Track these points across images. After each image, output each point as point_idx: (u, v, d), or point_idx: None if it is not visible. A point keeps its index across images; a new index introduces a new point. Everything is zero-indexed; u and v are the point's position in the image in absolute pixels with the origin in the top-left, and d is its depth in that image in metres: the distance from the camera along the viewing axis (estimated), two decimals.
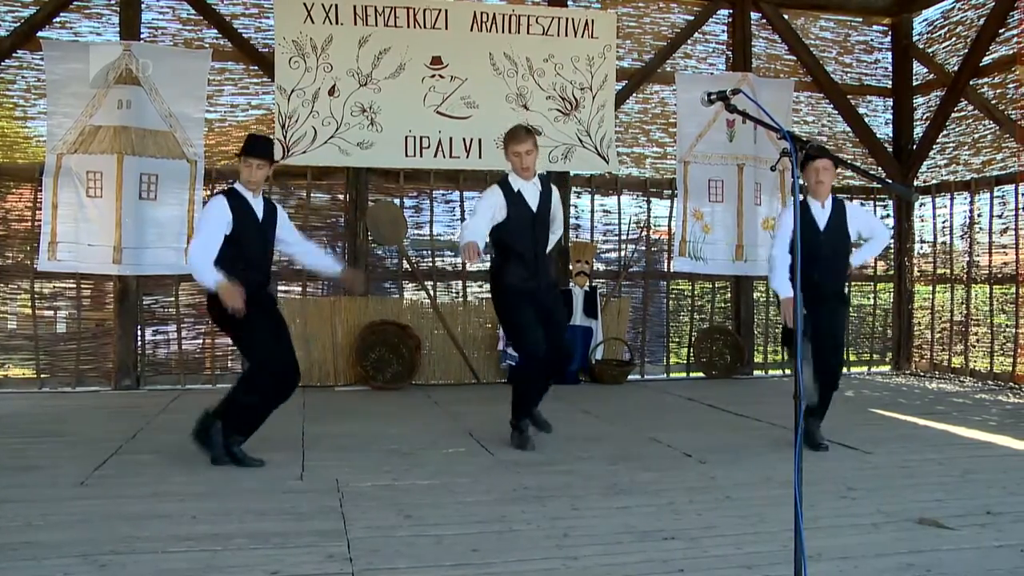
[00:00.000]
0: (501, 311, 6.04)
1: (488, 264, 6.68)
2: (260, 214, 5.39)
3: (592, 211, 10.20)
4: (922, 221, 11.05)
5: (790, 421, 5.68)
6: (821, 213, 5.80)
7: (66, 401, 8.15)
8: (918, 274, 11.05)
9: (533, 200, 5.89)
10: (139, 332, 9.05)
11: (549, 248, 6.13)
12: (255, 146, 5.37)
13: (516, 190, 5.87)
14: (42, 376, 8.84)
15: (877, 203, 11.10)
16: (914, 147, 10.97)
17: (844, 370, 10.48)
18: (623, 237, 10.28)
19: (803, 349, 5.35)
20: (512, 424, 6.02)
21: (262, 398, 5.26)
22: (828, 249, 5.74)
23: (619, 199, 10.27)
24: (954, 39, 10.52)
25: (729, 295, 10.67)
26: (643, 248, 10.38)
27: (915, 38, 11.09)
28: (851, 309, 9.65)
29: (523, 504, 4.40)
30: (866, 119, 11.04)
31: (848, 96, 10.93)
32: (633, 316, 10.30)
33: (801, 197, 5.31)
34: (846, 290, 6.17)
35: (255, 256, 5.36)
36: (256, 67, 9.34)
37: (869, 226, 6.18)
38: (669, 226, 10.35)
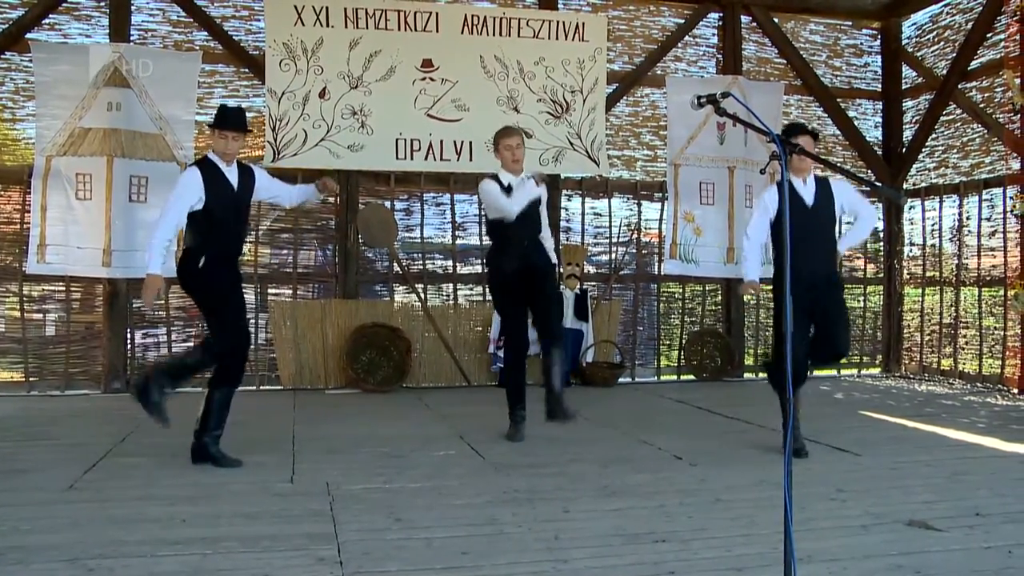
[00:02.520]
0: (492, 294, 6.44)
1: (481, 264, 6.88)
2: (235, 183, 5.39)
3: (583, 214, 10.20)
4: (911, 224, 11.10)
5: (780, 424, 5.70)
6: (805, 190, 5.71)
7: (55, 404, 8.11)
8: (907, 277, 11.08)
9: (522, 193, 6.20)
10: (129, 335, 9.02)
11: (547, 243, 6.38)
12: (229, 118, 5.35)
13: (507, 184, 6.17)
14: (31, 379, 8.79)
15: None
16: (903, 150, 11.02)
17: (834, 372, 10.63)
18: (614, 240, 10.29)
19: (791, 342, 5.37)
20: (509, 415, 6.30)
21: (205, 365, 5.45)
22: (816, 227, 5.62)
23: (610, 202, 10.28)
24: (943, 43, 10.57)
25: (720, 298, 10.68)
26: (634, 251, 10.39)
27: (904, 42, 11.14)
28: None
29: (513, 506, 4.40)
30: (856, 122, 11.09)
31: (838, 99, 10.97)
32: (624, 319, 10.31)
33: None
34: (838, 273, 6.09)
35: (228, 226, 5.37)
36: (247, 69, 9.33)
37: (853, 204, 5.97)
38: (660, 229, 10.36)
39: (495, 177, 6.22)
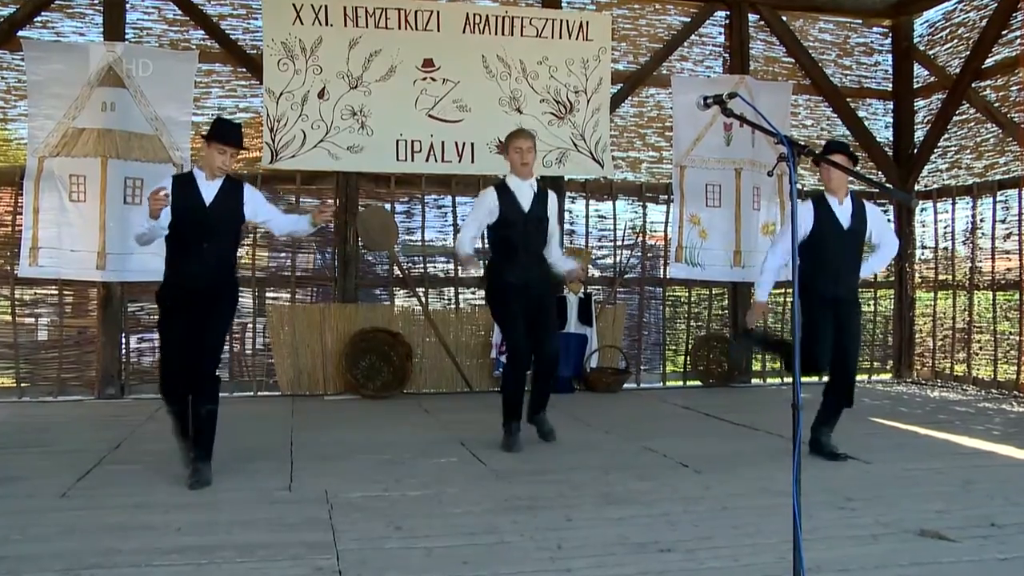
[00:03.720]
0: (491, 305, 6.34)
1: (483, 270, 6.89)
2: (209, 198, 5.15)
3: (587, 216, 10.21)
4: (923, 226, 11.08)
5: (788, 430, 5.67)
6: (842, 210, 5.73)
7: (47, 410, 8.13)
8: (919, 280, 11.07)
9: (526, 200, 6.20)
10: (123, 339, 9.02)
11: (552, 256, 6.40)
12: (231, 133, 5.20)
13: (512, 190, 6.18)
14: (22, 385, 8.80)
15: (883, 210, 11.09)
16: (915, 151, 11.00)
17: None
18: (618, 243, 10.29)
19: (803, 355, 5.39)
20: (503, 426, 6.24)
21: (167, 405, 5.31)
22: (851, 248, 5.71)
23: (614, 204, 10.28)
24: (956, 41, 10.55)
25: (727, 302, 10.67)
26: (639, 254, 10.39)
27: (916, 40, 11.12)
28: None
29: (515, 515, 4.39)
30: (866, 122, 11.08)
31: (848, 99, 10.96)
32: (628, 323, 10.31)
33: (800, 199, 5.32)
34: (858, 303, 6.11)
35: (188, 242, 5.11)
36: (244, 69, 9.34)
37: (882, 232, 6.02)
38: (665, 231, 10.36)
39: (501, 186, 6.23)
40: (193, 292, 5.09)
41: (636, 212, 10.39)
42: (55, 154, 8.58)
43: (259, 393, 9.20)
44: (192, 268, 5.12)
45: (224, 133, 5.17)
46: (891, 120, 11.29)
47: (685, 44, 10.49)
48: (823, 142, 10.53)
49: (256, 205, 5.41)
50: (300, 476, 5.28)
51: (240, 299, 9.20)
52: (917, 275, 11.09)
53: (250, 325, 9.39)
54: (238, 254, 5.72)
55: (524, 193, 6.19)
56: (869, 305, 11.06)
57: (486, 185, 9.48)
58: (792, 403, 3.12)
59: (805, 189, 10.01)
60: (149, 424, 7.17)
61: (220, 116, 5.52)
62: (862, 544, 3.91)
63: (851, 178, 5.21)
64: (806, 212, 5.75)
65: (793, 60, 10.76)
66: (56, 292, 8.90)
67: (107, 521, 4.24)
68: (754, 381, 10.55)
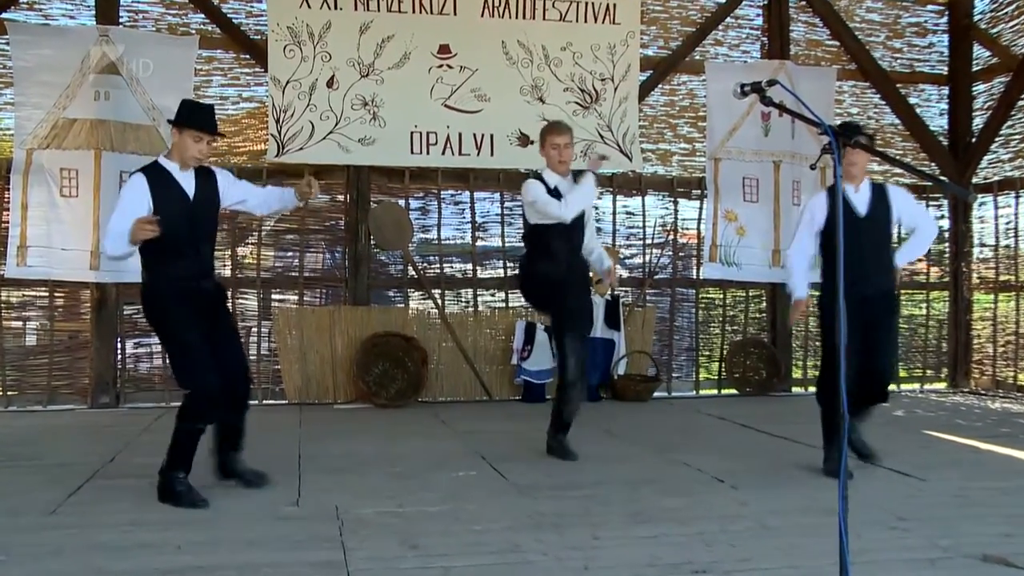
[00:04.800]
0: (542, 300, 6.43)
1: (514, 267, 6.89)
2: (191, 190, 5.05)
3: (614, 213, 10.20)
4: (982, 223, 10.99)
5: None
6: (857, 198, 5.68)
7: (36, 421, 8.17)
8: (977, 281, 10.98)
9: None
10: (119, 344, 9.06)
11: (595, 252, 6.46)
12: (207, 117, 5.08)
13: (553, 186, 6.16)
14: (9, 394, 8.84)
15: (930, 203, 10.98)
16: (973, 140, 10.87)
17: (893, 387, 10.53)
18: (648, 241, 10.28)
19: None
20: (557, 439, 6.31)
21: (196, 424, 5.01)
22: (870, 239, 5.62)
23: (643, 200, 10.27)
24: (1023, 18, 10.39)
25: (765, 304, 10.64)
26: (670, 253, 10.37)
27: (976, 18, 10.94)
28: (901, 320, 9.56)
29: (539, 532, 4.38)
30: (918, 110, 10.97)
31: (898, 85, 10.86)
32: (659, 327, 10.29)
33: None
34: (896, 292, 6.04)
35: (182, 242, 4.98)
36: (247, 56, 9.37)
37: (912, 215, 5.94)
38: (698, 229, 10.34)
39: (539, 177, 6.24)
40: (193, 295, 5.01)
41: (667, 208, 10.37)
42: (45, 146, 8.60)
43: (264, 402, 9.20)
44: (187, 270, 5.02)
45: (199, 118, 5.02)
46: (946, 107, 11.16)
47: (720, 27, 10.45)
48: (871, 132, 10.49)
49: (229, 186, 5.27)
50: (308, 491, 5.29)
51: (244, 300, 9.30)
52: (975, 275, 10.99)
53: (255, 329, 9.41)
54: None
55: (565, 190, 6.18)
56: (920, 308, 11.00)
57: (506, 180, 9.63)
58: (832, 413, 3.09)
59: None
60: (146, 435, 7.20)
61: (187, 99, 5.29)
62: (917, 569, 3.87)
63: (900, 170, 5.16)
64: (819, 203, 5.74)
65: (838, 43, 10.69)
66: (46, 294, 8.94)
67: (100, 540, 4.25)
68: (794, 390, 10.50)
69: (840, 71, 10.67)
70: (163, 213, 4.84)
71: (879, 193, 5.77)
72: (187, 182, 5.05)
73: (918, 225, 5.99)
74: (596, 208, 10.06)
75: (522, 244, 6.60)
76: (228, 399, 5.05)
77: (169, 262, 5.00)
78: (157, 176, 4.99)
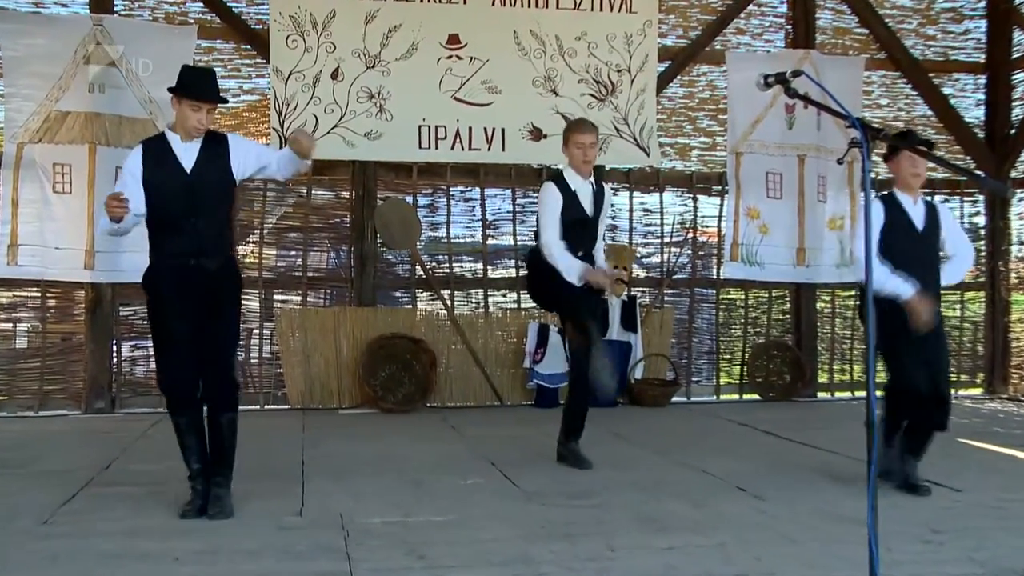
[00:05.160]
0: (560, 309, 6.42)
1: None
2: (188, 162, 4.93)
3: (631, 210, 10.17)
4: (1021, 219, 10.93)
5: (860, 450, 5.61)
6: (915, 211, 5.62)
7: (28, 427, 8.18)
8: (1016, 281, 10.91)
9: (587, 201, 6.25)
10: (114, 347, 9.05)
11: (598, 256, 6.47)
12: (205, 85, 4.96)
13: (572, 189, 6.20)
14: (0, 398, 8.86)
15: (965, 199, 10.95)
16: (1012, 132, 10.75)
17: None
18: (666, 239, 10.26)
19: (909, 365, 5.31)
20: (567, 445, 6.30)
21: (173, 416, 5.03)
22: (926, 254, 5.59)
23: (661, 196, 10.24)
24: None
25: (788, 305, 10.60)
26: (689, 252, 10.36)
27: (1017, 1, 10.75)
28: None
29: (551, 542, 4.38)
30: (952, 101, 10.87)
31: (931, 74, 10.77)
32: (678, 329, 10.27)
33: (875, 191, 5.23)
34: (940, 313, 5.96)
35: (176, 217, 4.90)
36: (248, 46, 9.38)
37: (955, 241, 5.85)
38: (719, 226, 10.31)
39: (559, 178, 6.25)
40: (189, 275, 4.91)
41: (686, 205, 10.35)
42: (36, 140, 8.59)
43: (266, 406, 9.23)
44: (183, 247, 4.91)
45: (196, 86, 4.91)
46: (983, 97, 11.05)
47: (742, 15, 10.41)
48: (901, 124, 10.45)
49: (246, 156, 5.12)
50: (312, 499, 5.29)
51: (245, 301, 9.26)
52: (1013, 275, 10.91)
53: (256, 331, 9.43)
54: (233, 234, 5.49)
55: (585, 193, 6.21)
56: (955, 309, 10.93)
57: (518, 175, 9.62)
58: (865, 420, 3.08)
59: (879, 178, 9.87)
60: (143, 441, 7.22)
61: (187, 65, 5.13)
62: None
63: (932, 164, 5.11)
64: (876, 210, 5.66)
65: (866, 31, 10.63)
66: (38, 294, 8.95)
67: (96, 549, 4.26)
68: (820, 395, 10.47)
69: (869, 60, 10.60)
70: (154, 186, 4.87)
71: (931, 210, 5.72)
72: (187, 153, 4.94)
73: (960, 251, 5.89)
74: (611, 206, 10.06)
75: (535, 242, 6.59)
76: (193, 398, 4.97)
77: (164, 238, 4.96)
78: (155, 147, 4.96)
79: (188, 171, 4.92)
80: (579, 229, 6.18)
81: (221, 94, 5.11)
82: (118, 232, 4.98)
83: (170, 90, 4.99)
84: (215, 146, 5.00)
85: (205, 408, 5.02)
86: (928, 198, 5.88)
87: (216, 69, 9.10)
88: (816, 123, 10.12)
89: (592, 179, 6.29)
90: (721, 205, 10.28)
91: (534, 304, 7.84)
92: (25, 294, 8.98)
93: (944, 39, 11.01)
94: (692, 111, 10.40)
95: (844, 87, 9.62)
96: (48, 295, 9.00)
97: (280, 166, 5.20)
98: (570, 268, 6.05)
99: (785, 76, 3.43)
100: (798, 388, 10.21)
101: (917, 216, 5.62)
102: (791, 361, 10.34)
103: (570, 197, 6.16)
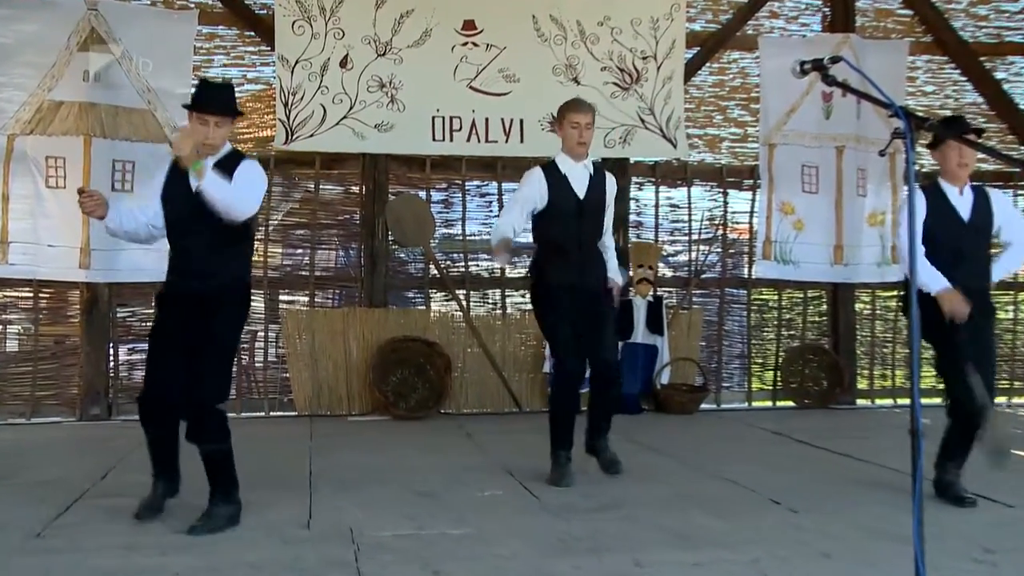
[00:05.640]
0: (536, 310, 6.36)
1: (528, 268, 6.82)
2: (197, 180, 4.87)
3: (656, 205, 10.17)
4: None
5: (903, 462, 5.57)
6: (961, 201, 5.59)
7: (19, 435, 8.21)
8: None
9: (580, 186, 6.16)
10: (111, 350, 9.08)
11: (608, 253, 6.38)
12: (212, 97, 5.00)
13: (562, 173, 6.14)
14: None
15: (1018, 192, 10.86)
16: None
17: None
18: (694, 237, 10.25)
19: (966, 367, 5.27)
20: (551, 455, 6.18)
21: (143, 427, 5.12)
22: (972, 246, 5.54)
23: (689, 191, 10.23)
24: None
25: (825, 306, 10.57)
26: (718, 249, 10.35)
27: None
28: None
29: (574, 558, 4.37)
30: (1005, 86, 10.78)
31: (982, 58, 10.68)
32: (707, 332, 10.26)
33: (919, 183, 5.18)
34: (992, 306, 5.89)
35: (179, 238, 5.04)
36: (252, 33, 9.40)
37: (1012, 225, 5.78)
38: (751, 223, 10.30)
39: (550, 167, 6.19)
40: (181, 297, 4.99)
41: (715, 200, 10.34)
42: (28, 132, 8.60)
43: (271, 413, 9.27)
44: (181, 268, 5.04)
45: (199, 98, 4.97)
46: None
47: None
48: (948, 113, 10.35)
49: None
50: (320, 510, 5.29)
51: (252, 303, 9.25)
52: None
53: (261, 333, 9.46)
54: (248, 250, 5.38)
55: (578, 176, 6.15)
56: (1007, 311, 10.86)
57: None
58: (910, 428, 3.05)
59: (923, 170, 9.80)
60: (141, 450, 7.16)
61: (203, 78, 5.23)
62: None
63: (980, 157, 5.07)
64: (919, 201, 5.60)
65: (911, 12, 10.56)
66: (30, 295, 8.95)
67: (90, 565, 4.27)
68: (860, 402, 10.42)
69: (913, 44, 10.53)
70: (165, 201, 5.04)
71: (982, 197, 5.67)
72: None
73: (1014, 238, 5.81)
74: (636, 201, 10.07)
75: None
76: (160, 417, 5.03)
77: (170, 255, 5.12)
78: (176, 164, 4.99)
79: (195, 189, 4.86)
80: (573, 218, 6.09)
81: (236, 107, 5.13)
82: (127, 237, 5.23)
83: (185, 106, 5.10)
84: (229, 166, 4.97)
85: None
86: (979, 184, 5.81)
87: (218, 56, 9.31)
88: (856, 112, 10.07)
89: (589, 163, 6.22)
90: (753, 200, 10.26)
91: None
92: (16, 294, 9.00)
93: (997, 19, 10.88)
94: (722, 100, 10.37)
95: (886, 73, 9.55)
96: (41, 295, 9.01)
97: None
98: (494, 234, 6.13)
99: (823, 62, 3.41)
100: (836, 394, 10.17)
101: (963, 206, 5.59)
102: (828, 365, 10.30)
103: (559, 182, 6.09)
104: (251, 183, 5.00)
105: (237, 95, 9.15)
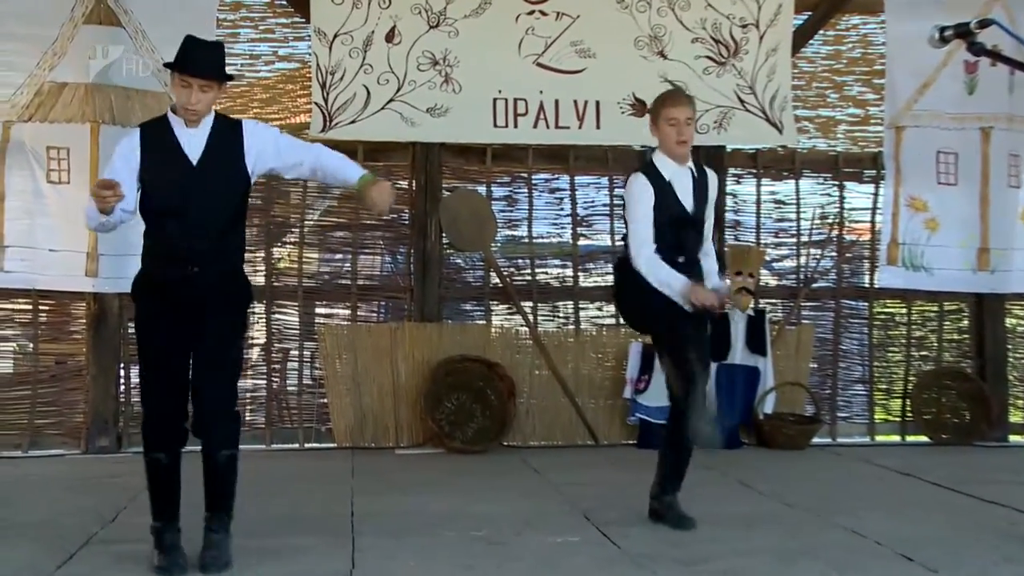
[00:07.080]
0: (653, 331, 6.42)
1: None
2: (194, 154, 5.03)
3: (758, 201, 10.16)
4: None
5: None
6: None
7: (16, 470, 8.28)
8: None
9: (686, 194, 6.16)
10: (122, 372, 9.13)
11: (708, 260, 6.40)
12: (196, 57, 4.97)
13: (666, 180, 6.11)
14: None
15: None
16: None
17: None
18: (803, 238, 10.22)
19: None
20: (655, 499, 6.23)
21: (148, 453, 5.17)
22: None
23: (797, 184, 10.20)
24: None
25: (966, 322, 10.47)
26: (833, 254, 10.29)
27: None
28: None
29: None
30: None
31: None
32: (819, 352, 10.21)
33: None
34: None
35: (174, 217, 5.03)
36: (284, 2, 9.50)
37: None
38: (872, 222, 10.24)
39: (650, 168, 6.17)
40: (183, 286, 5.03)
41: (829, 195, 10.29)
42: (26, 118, 8.67)
43: (307, 445, 9.32)
44: (179, 253, 5.04)
45: (187, 57, 4.96)
46: None
47: None
48: None
49: (263, 148, 5.19)
50: (365, 558, 5.32)
51: (284, 317, 9.34)
52: None
53: (295, 352, 9.53)
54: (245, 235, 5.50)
55: (683, 182, 6.14)
56: None
57: (616, 159, 9.60)
58: None
59: None
60: None
61: (190, 35, 5.13)
62: None
63: None
64: None
65: None
66: (29, 307, 9.01)
67: None
68: (1012, 438, 10.28)
69: None
70: (151, 178, 5.00)
71: None
72: (191, 141, 5.05)
73: None
74: (734, 197, 10.02)
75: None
76: (176, 432, 5.13)
77: (158, 241, 5.12)
78: (154, 132, 5.07)
79: (194, 161, 5.01)
80: (677, 229, 6.10)
81: (225, 71, 5.17)
82: (103, 227, 5.17)
83: (166, 65, 5.11)
84: (227, 132, 5.09)
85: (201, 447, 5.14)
86: None
87: (244, 30, 9.39)
88: (1008, 85, 9.89)
89: (691, 164, 6.20)
90: (875, 195, 10.20)
91: None
92: (12, 307, 9.03)
93: None
94: (838, 75, 10.34)
95: None
96: (40, 308, 9.07)
97: (323, 172, 5.38)
98: (666, 283, 5.96)
99: (968, 27, 3.37)
100: (981, 429, 10.02)
101: None
102: (971, 394, 10.16)
103: (663, 190, 6.06)
104: (296, 142, 5.39)
105: (265, 75, 9.44)
